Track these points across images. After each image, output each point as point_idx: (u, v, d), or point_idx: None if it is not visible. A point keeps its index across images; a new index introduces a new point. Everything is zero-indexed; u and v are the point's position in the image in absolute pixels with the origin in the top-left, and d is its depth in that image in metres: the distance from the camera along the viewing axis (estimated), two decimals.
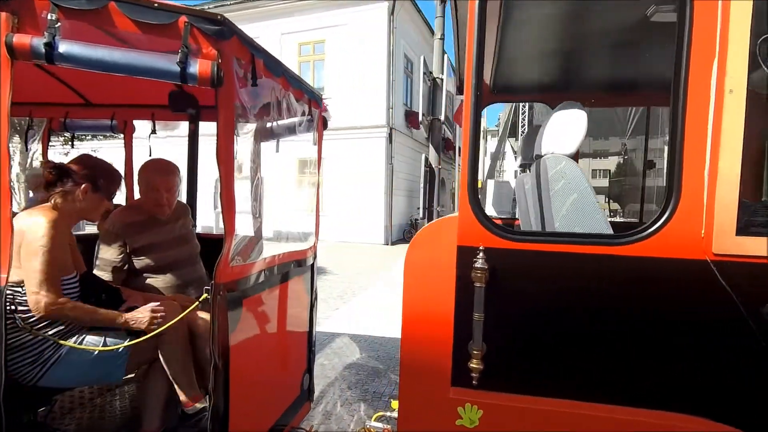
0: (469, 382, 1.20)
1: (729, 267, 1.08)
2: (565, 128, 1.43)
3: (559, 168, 1.35)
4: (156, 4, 1.47)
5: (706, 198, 1.09)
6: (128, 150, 3.30)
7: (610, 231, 1.32)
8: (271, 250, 2.09)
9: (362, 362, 4.40)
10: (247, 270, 1.85)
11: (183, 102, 3.03)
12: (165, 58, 1.46)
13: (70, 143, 4.68)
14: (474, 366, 1.17)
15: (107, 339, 1.80)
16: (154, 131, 3.26)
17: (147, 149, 2.99)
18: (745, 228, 1.06)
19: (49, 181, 1.80)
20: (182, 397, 1.93)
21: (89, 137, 11.04)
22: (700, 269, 1.09)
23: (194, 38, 1.49)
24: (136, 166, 2.44)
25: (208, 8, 15.87)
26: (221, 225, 3.19)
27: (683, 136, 1.09)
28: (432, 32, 19.84)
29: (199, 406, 1.96)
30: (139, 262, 2.16)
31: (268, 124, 2.08)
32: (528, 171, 2.27)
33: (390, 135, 15.74)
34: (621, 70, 2.32)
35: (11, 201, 1.42)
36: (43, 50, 1.35)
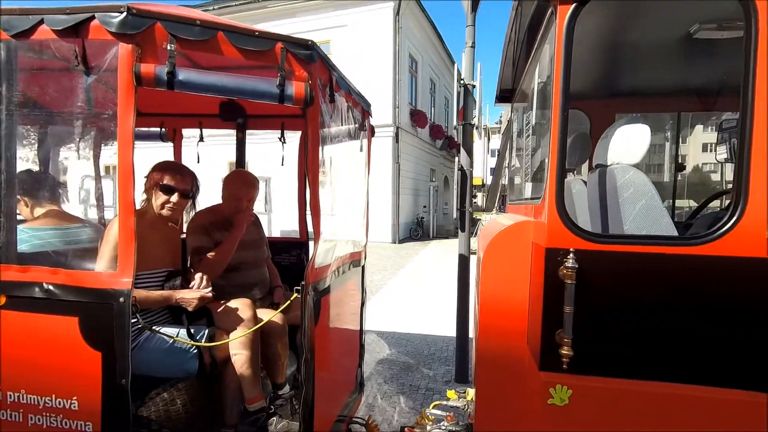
0: (559, 366, 1.37)
1: None
2: (631, 140, 1.60)
3: (628, 177, 1.52)
4: (257, 32, 1.63)
5: None
6: (177, 156, 3.45)
7: (676, 233, 1.49)
8: (337, 252, 2.25)
9: (393, 358, 4.58)
10: (326, 271, 2.02)
11: (233, 112, 3.21)
12: (265, 81, 1.63)
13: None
14: (565, 352, 1.34)
15: (182, 332, 1.92)
16: (201, 139, 3.41)
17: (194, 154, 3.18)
18: None
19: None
20: (247, 394, 2.07)
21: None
22: (764, 266, 1.26)
23: (288, 62, 1.65)
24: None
25: (213, 10, 16.06)
26: (296, 227, 3.36)
27: (751, 141, 1.27)
28: (437, 32, 20.01)
29: (258, 405, 2.10)
30: None
31: (337, 135, 2.25)
32: (573, 175, 2.44)
33: (396, 134, 15.91)
34: (682, 79, 2.50)
35: (133, 211, 1.59)
36: (166, 78, 1.51)
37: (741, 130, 1.28)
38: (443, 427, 2.12)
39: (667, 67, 2.39)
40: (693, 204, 3.02)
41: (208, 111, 3.24)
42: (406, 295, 7.70)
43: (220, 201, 2.49)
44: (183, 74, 1.53)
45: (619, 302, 1.37)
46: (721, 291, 1.31)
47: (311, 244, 3.36)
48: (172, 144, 3.45)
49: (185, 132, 3.47)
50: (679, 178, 3.05)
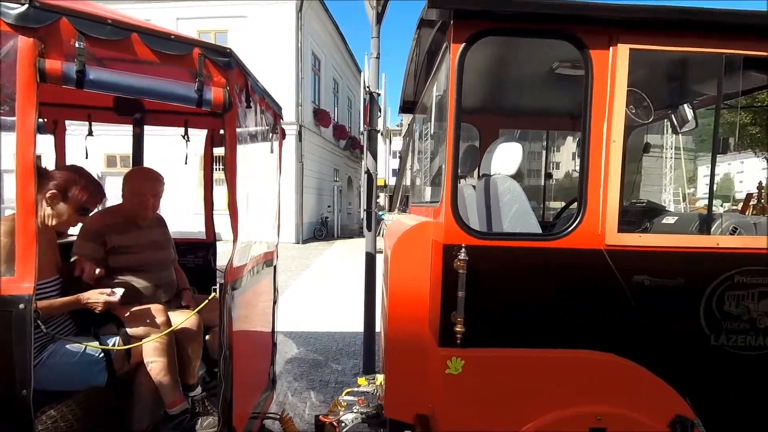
0: (454, 342, 1.65)
1: (614, 253, 1.69)
2: (509, 155, 1.96)
3: (507, 185, 1.88)
4: (173, 36, 1.65)
5: (601, 208, 1.68)
6: (60, 152, 3.14)
7: (540, 231, 1.88)
8: (252, 252, 2.31)
9: (302, 356, 4.66)
10: (243, 270, 2.08)
11: (130, 106, 3.02)
12: (183, 86, 1.65)
13: None
14: (458, 329, 1.62)
15: (87, 343, 1.84)
16: (90, 133, 3.15)
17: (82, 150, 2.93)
18: (622, 228, 1.68)
19: None
20: (167, 399, 2.05)
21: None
22: (598, 255, 1.68)
23: (206, 68, 1.70)
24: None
25: None
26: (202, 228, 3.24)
27: (588, 167, 1.68)
28: (340, 33, 20.20)
29: (180, 408, 2.09)
30: (115, 260, 2.22)
31: (252, 137, 2.30)
32: (464, 182, 2.81)
33: (300, 133, 15.76)
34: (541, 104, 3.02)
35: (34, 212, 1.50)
36: (75, 77, 1.46)
37: (582, 151, 1.68)
38: (355, 411, 2.31)
39: (538, 93, 2.88)
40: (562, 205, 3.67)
41: (99, 103, 3.00)
42: (312, 294, 7.78)
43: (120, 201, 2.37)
44: (94, 73, 1.49)
45: (499, 287, 1.70)
46: (571, 274, 1.71)
47: (219, 244, 3.33)
48: (53, 136, 3.13)
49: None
50: (553, 182, 3.67)
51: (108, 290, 1.90)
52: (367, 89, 3.88)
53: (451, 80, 1.67)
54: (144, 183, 2.30)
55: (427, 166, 2.93)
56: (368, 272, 4.14)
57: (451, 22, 1.63)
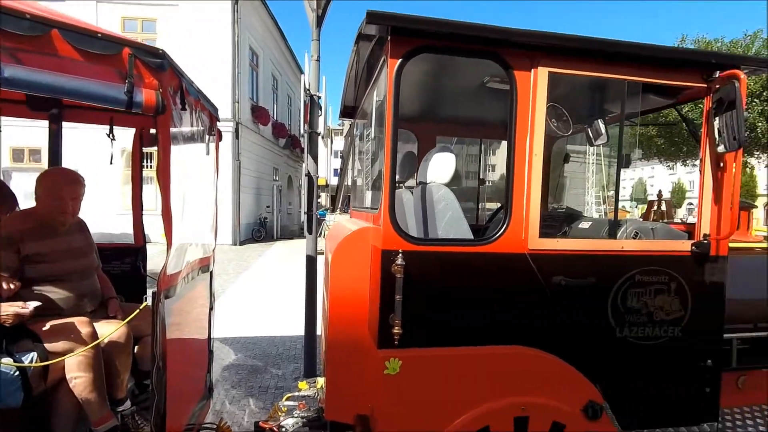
0: (392, 343, 1.72)
1: (535, 256, 1.86)
2: (443, 165, 2.08)
3: (441, 193, 1.99)
4: (99, 34, 1.57)
5: (524, 215, 1.85)
6: None
7: (472, 236, 2.01)
8: (187, 257, 2.24)
9: (240, 362, 4.54)
10: (177, 277, 2.01)
11: (45, 100, 2.79)
12: (111, 87, 1.58)
13: None
14: (396, 331, 1.70)
15: (4, 360, 1.73)
16: None
17: None
18: (542, 233, 1.86)
19: None
20: (93, 417, 1.93)
21: None
22: (522, 258, 1.84)
23: (137, 68, 1.63)
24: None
25: None
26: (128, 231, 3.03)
27: (513, 178, 1.83)
28: (279, 29, 19.72)
29: (108, 425, 1.97)
30: (33, 270, 2.05)
31: (186, 140, 2.22)
32: (403, 187, 2.92)
33: (237, 130, 15.21)
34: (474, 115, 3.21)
35: None
36: None
37: (507, 163, 1.83)
38: (296, 415, 2.32)
39: (472, 104, 3.05)
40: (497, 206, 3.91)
41: (9, 95, 2.74)
42: (251, 298, 7.56)
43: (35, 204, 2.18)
44: (10, 71, 1.39)
45: (434, 289, 1.80)
46: (499, 276, 1.86)
47: (148, 247, 3.16)
48: None
49: None
50: (488, 184, 3.91)
51: (20, 303, 1.76)
52: (308, 92, 3.87)
53: (388, 93, 1.75)
54: (63, 186, 2.13)
55: (368, 168, 3.00)
56: (309, 275, 4.13)
57: (389, 38, 1.71)
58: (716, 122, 1.93)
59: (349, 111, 3.31)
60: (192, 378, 2.53)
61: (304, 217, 4.20)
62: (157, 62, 1.67)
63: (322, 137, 3.91)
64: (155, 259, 2.73)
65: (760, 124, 14.57)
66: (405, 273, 1.71)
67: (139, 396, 2.43)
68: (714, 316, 2.09)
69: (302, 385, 2.64)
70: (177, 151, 2.10)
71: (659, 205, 14.39)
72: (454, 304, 1.84)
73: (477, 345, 1.88)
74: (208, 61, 14.08)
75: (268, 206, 19.41)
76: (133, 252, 3.10)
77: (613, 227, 2.24)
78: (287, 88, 23.07)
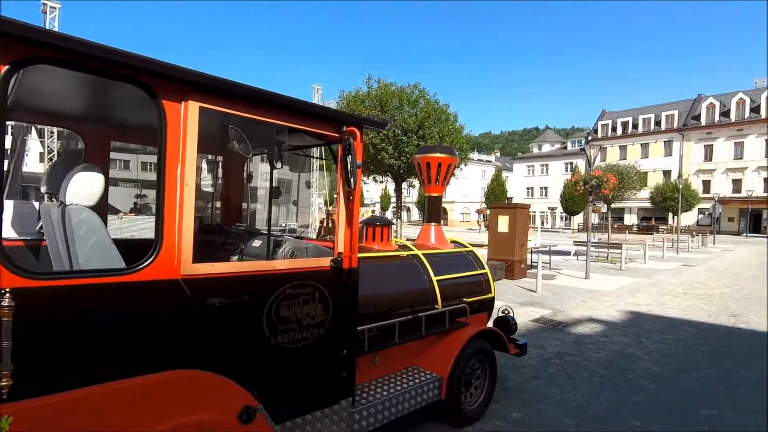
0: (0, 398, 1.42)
1: (189, 281, 1.92)
2: (87, 185, 1.87)
3: (82, 217, 1.78)
4: None
5: (176, 242, 1.88)
6: None
7: (123, 264, 1.89)
8: None
9: None
10: None
11: None
12: None
13: None
14: (4, 384, 1.41)
15: None
16: None
17: None
18: (196, 259, 1.94)
19: None
20: None
21: None
22: (175, 284, 1.87)
23: None
24: None
25: None
26: None
27: (164, 206, 1.84)
28: None
29: None
30: None
31: None
32: (54, 200, 2.47)
33: None
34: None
35: None
36: None
37: (157, 191, 1.83)
38: None
39: (138, 112, 2.83)
40: None
41: None
42: None
43: None
44: None
45: (67, 328, 1.60)
46: (150, 304, 1.82)
47: None
48: None
49: None
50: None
51: None
52: None
53: None
54: None
55: None
56: None
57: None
58: (345, 164, 2.50)
59: None
60: None
61: None
62: None
63: None
64: None
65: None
66: (17, 315, 1.45)
67: None
68: (349, 315, 2.68)
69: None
70: None
71: (327, 223, 18.18)
72: (96, 339, 1.68)
73: (126, 377, 1.77)
74: None
75: None
76: None
77: (276, 246, 2.56)
78: None
